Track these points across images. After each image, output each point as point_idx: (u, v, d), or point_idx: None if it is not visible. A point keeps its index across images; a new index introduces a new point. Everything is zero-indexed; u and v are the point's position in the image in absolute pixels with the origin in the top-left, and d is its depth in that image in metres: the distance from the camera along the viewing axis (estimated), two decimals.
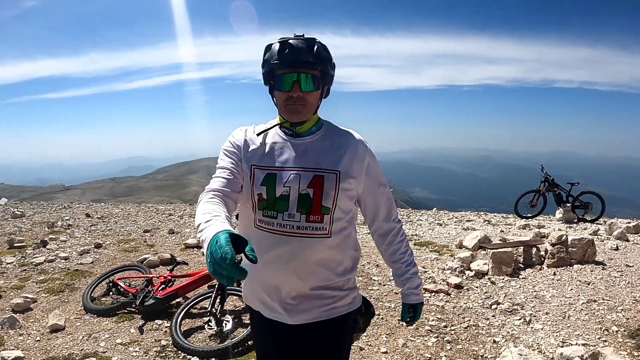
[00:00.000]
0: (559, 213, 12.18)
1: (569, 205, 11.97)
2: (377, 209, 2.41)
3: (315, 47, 2.15)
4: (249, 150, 2.26)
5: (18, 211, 13.01)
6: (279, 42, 2.15)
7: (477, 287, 6.45)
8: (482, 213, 14.35)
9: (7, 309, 5.67)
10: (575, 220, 11.80)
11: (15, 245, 8.76)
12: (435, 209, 15.28)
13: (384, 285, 6.57)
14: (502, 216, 13.41)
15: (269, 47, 2.20)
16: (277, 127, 2.32)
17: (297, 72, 2.12)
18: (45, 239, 9.19)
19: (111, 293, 6.00)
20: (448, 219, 12.52)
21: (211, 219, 1.77)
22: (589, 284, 6.47)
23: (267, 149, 2.25)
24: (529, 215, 12.41)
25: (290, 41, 2.13)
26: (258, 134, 2.31)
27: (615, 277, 6.70)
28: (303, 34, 2.21)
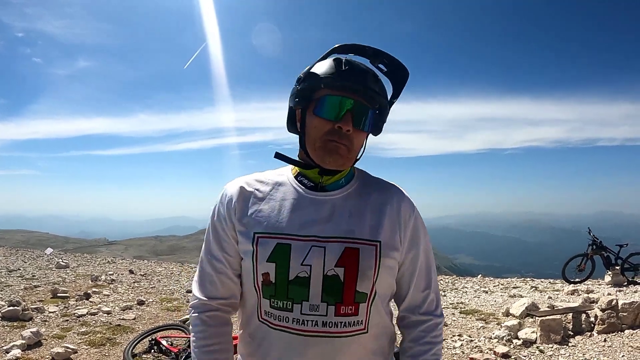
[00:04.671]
0: (608, 276, 11.84)
1: (618, 267, 11.63)
2: (410, 292, 1.69)
3: (378, 77, 1.59)
4: (249, 211, 1.58)
5: (63, 262, 13.45)
6: (335, 58, 1.55)
7: (525, 356, 6.26)
8: (528, 279, 14.04)
9: (47, 357, 5.75)
10: (625, 283, 11.43)
11: (58, 295, 8.97)
12: (480, 275, 15.04)
13: None
14: (550, 282, 13.09)
15: (320, 61, 1.59)
16: (291, 175, 1.66)
17: (355, 99, 1.49)
18: (89, 291, 9.38)
19: (153, 351, 6.01)
20: (494, 286, 12.27)
21: None
22: None
23: (276, 207, 1.57)
24: (577, 280, 12.07)
25: (351, 60, 1.55)
26: (258, 183, 1.66)
27: None
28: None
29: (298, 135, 1.62)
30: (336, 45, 1.61)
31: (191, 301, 1.69)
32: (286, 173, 1.67)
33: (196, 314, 1.64)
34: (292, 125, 1.65)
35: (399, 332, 1.77)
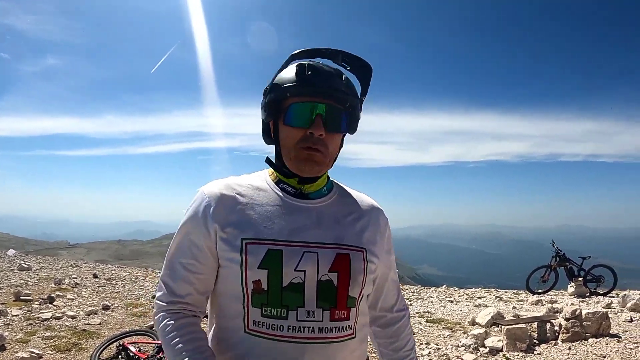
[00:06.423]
0: (571, 287, 12.09)
1: (580, 279, 11.89)
2: (386, 293, 1.80)
3: (344, 76, 1.55)
4: (233, 216, 1.51)
5: (25, 264, 13.05)
6: (297, 64, 1.51)
7: None
8: (492, 289, 14.22)
9: None
10: (588, 294, 11.70)
11: (21, 298, 8.72)
12: (445, 285, 15.16)
13: None
14: (514, 292, 13.28)
15: (281, 70, 1.57)
16: (271, 181, 1.62)
17: (324, 103, 1.48)
18: (53, 295, 9.12)
19: (120, 357, 5.83)
20: (459, 296, 12.41)
21: None
22: (604, 357, 6.39)
23: (262, 213, 1.53)
24: (541, 290, 12.29)
25: (313, 63, 1.51)
26: (239, 187, 1.59)
27: (631, 349, 6.64)
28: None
29: (274, 147, 1.62)
30: (294, 52, 1.58)
31: (155, 308, 1.58)
32: (265, 178, 1.64)
33: (162, 312, 1.53)
34: (268, 137, 1.63)
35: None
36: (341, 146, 1.63)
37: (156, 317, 1.54)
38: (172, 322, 1.49)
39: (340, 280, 1.49)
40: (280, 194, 1.57)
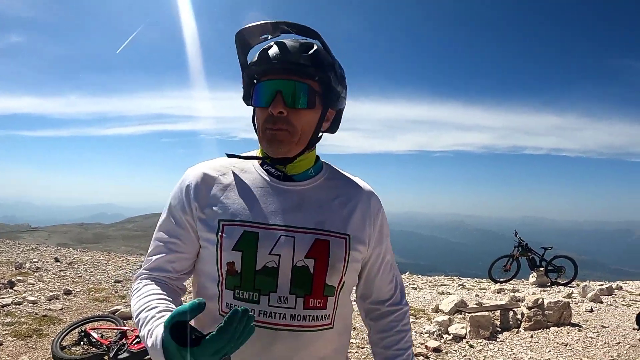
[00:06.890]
0: (532, 277, 12.33)
1: (542, 269, 12.13)
2: (378, 285, 1.69)
3: (315, 48, 1.45)
4: (213, 197, 1.48)
5: None
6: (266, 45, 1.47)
7: (455, 351, 6.40)
8: (455, 277, 14.35)
9: None
10: (549, 283, 11.97)
11: None
12: (407, 272, 15.25)
13: (362, 348, 6.45)
14: (476, 280, 13.45)
15: (248, 47, 1.52)
16: (257, 164, 1.58)
17: (283, 79, 1.41)
18: (13, 279, 8.78)
19: (82, 343, 5.65)
20: (422, 283, 12.50)
21: (151, 315, 1.27)
22: (566, 345, 6.55)
23: (243, 195, 1.49)
24: (503, 279, 12.48)
25: (278, 40, 1.46)
26: (223, 168, 1.56)
27: (591, 338, 6.84)
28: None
29: None
30: (237, 32, 1.49)
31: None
32: (251, 160, 1.58)
33: (136, 279, 1.50)
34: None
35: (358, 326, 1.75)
36: (336, 125, 1.61)
37: (131, 287, 1.50)
38: (144, 282, 1.45)
39: (317, 267, 1.43)
40: (265, 177, 1.53)
